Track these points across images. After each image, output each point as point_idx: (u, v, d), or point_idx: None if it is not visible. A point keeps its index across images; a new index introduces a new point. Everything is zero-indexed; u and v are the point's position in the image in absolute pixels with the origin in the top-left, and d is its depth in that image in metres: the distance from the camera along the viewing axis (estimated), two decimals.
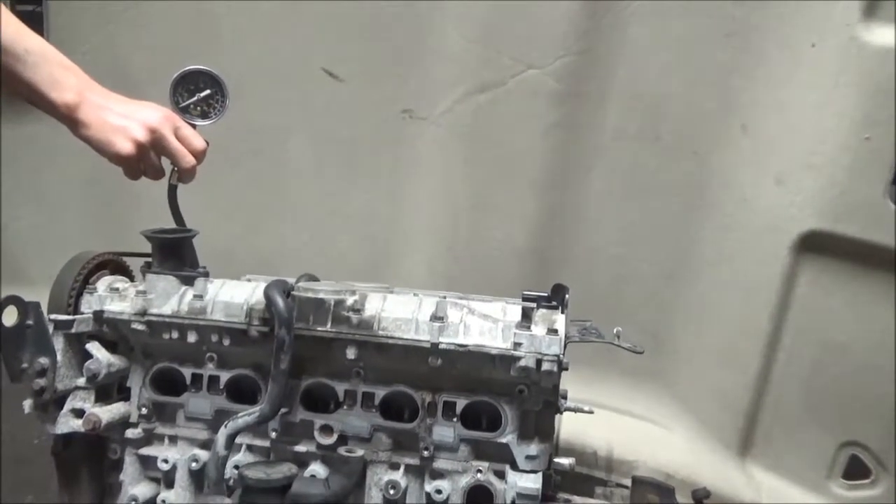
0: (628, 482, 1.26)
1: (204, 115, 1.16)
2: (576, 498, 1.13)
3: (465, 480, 1.04)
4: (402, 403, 1.07)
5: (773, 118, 1.47)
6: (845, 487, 1.47)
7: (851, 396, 1.42)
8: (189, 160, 1.11)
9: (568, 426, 1.48)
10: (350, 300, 1.06)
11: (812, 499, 1.47)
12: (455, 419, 1.05)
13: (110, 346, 1.12)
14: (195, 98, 1.15)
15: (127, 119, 1.06)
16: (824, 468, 1.46)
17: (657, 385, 1.62)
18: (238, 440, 1.06)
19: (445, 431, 1.04)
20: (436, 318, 1.03)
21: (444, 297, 1.18)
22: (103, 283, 1.13)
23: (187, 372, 1.11)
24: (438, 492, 1.04)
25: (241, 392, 1.11)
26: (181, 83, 1.15)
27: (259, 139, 1.73)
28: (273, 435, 1.08)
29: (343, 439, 1.07)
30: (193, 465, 1.09)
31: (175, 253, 1.12)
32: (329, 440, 1.06)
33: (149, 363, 1.13)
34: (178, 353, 1.11)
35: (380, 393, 1.06)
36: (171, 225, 1.17)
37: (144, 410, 1.12)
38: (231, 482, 1.06)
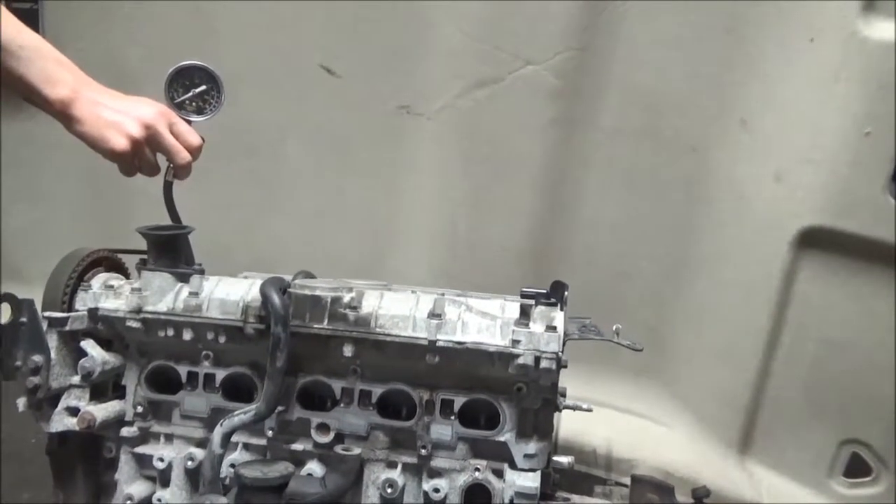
0: (628, 481, 1.26)
1: (199, 111, 1.15)
2: (575, 497, 1.12)
3: (462, 479, 1.03)
4: (400, 401, 1.06)
5: (772, 114, 1.46)
6: (846, 485, 1.46)
7: (852, 394, 1.42)
8: (184, 156, 1.11)
9: (567, 424, 1.47)
10: (347, 297, 1.05)
11: (813, 497, 1.46)
12: (453, 417, 1.04)
13: (105, 344, 1.11)
14: (190, 94, 1.14)
15: (122, 115, 1.05)
16: (825, 466, 1.45)
17: (657, 383, 1.62)
18: (234, 438, 1.05)
19: (443, 430, 1.03)
20: (433, 315, 1.02)
21: (442, 294, 1.17)
22: (98, 280, 1.12)
23: (183, 370, 1.10)
24: (436, 490, 1.03)
25: (238, 390, 1.10)
26: (176, 79, 1.14)
27: (256, 135, 1.72)
28: (269, 433, 1.07)
29: (340, 437, 1.06)
30: (189, 463, 1.08)
31: (170, 250, 1.11)
32: (326, 438, 1.05)
33: (144, 361, 1.12)
34: (174, 351, 1.10)
35: (377, 391, 1.05)
36: (168, 222, 1.17)
37: (140, 409, 1.10)
38: (227, 481, 1.05)
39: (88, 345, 1.07)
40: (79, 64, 1.05)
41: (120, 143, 1.04)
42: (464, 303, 1.05)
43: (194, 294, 1.08)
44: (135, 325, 1.07)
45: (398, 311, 1.04)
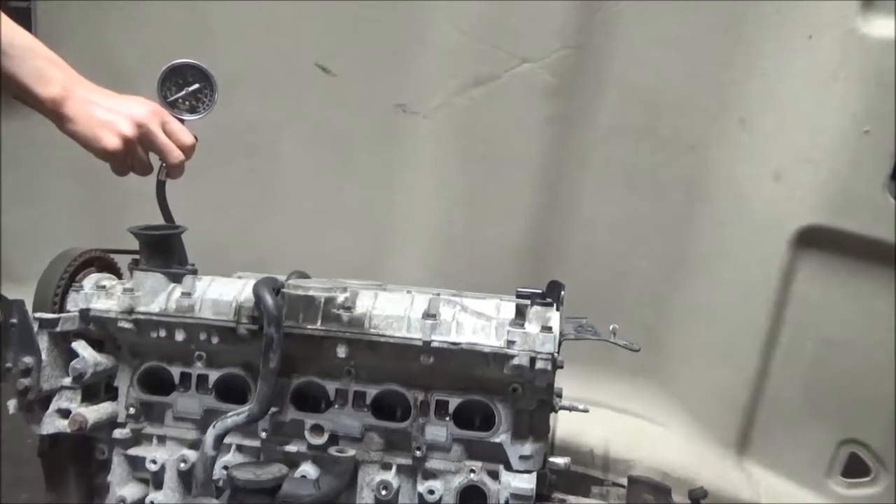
0: (625, 481, 1.25)
1: (192, 110, 1.15)
2: (571, 498, 1.11)
3: (458, 481, 1.02)
4: (395, 402, 1.06)
5: (770, 112, 1.45)
6: (845, 485, 1.45)
7: (851, 394, 1.41)
8: (177, 155, 1.10)
9: (564, 424, 1.46)
10: (341, 297, 1.04)
11: (811, 497, 1.45)
12: (448, 418, 1.03)
13: (97, 345, 1.10)
14: (183, 92, 1.14)
15: (114, 114, 1.04)
16: (823, 466, 1.45)
17: (654, 383, 1.61)
18: (227, 440, 1.04)
19: (438, 431, 1.03)
20: (428, 315, 1.01)
21: (437, 294, 1.16)
22: (90, 280, 1.11)
23: (176, 371, 1.09)
24: (431, 492, 1.02)
25: (231, 391, 1.10)
26: (169, 77, 1.14)
27: (251, 134, 1.71)
28: (263, 435, 1.06)
29: (334, 439, 1.05)
30: (182, 465, 1.07)
31: (163, 250, 1.10)
32: (320, 440, 1.05)
33: (136, 362, 1.11)
34: (167, 352, 1.10)
35: (371, 392, 1.05)
36: (161, 221, 1.16)
37: (132, 410, 1.10)
38: (220, 483, 1.04)
39: (80, 346, 1.06)
40: (71, 63, 1.04)
41: (112, 142, 1.03)
42: (459, 303, 1.04)
43: (187, 294, 1.07)
44: (127, 325, 1.06)
45: (392, 311, 1.03)
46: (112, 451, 1.10)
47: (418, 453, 1.02)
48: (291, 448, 1.06)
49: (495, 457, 1.03)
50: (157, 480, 1.09)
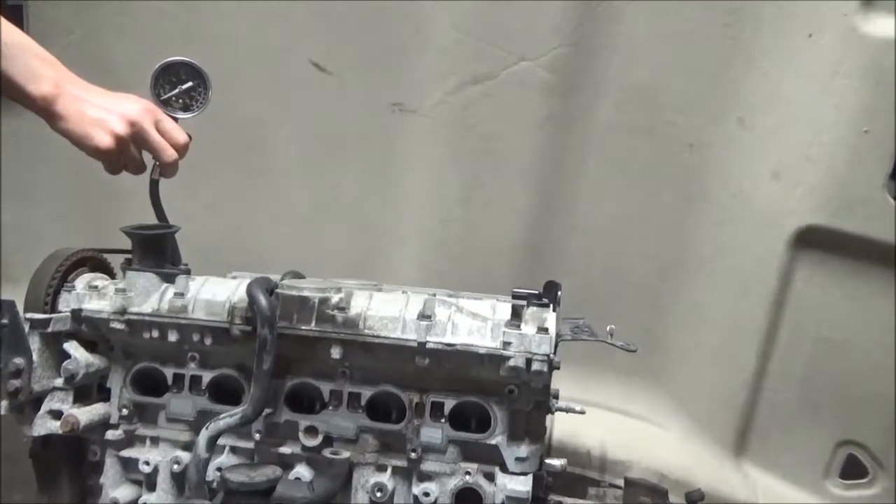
0: (622, 482, 1.24)
1: (186, 108, 1.14)
2: (567, 499, 1.10)
3: (453, 483, 1.01)
4: (389, 404, 1.05)
5: (770, 111, 1.44)
6: (842, 487, 1.45)
7: (849, 395, 1.40)
8: (171, 154, 1.09)
9: (561, 425, 1.46)
10: (335, 298, 1.03)
11: (808, 499, 1.45)
12: (443, 420, 1.02)
13: (89, 346, 1.09)
14: (177, 90, 1.13)
15: (106, 112, 1.04)
16: (821, 467, 1.44)
17: (651, 383, 1.60)
18: (221, 441, 1.03)
19: (433, 432, 1.02)
20: (423, 316, 1.00)
21: (433, 295, 1.15)
22: (82, 280, 1.10)
23: (169, 372, 1.08)
24: (426, 494, 1.01)
25: (225, 392, 1.09)
26: (162, 75, 1.13)
27: (245, 133, 1.70)
28: (257, 436, 1.05)
29: (328, 441, 1.04)
30: (175, 467, 1.06)
31: (156, 249, 1.09)
32: (314, 442, 1.04)
33: (129, 363, 1.10)
34: (160, 353, 1.09)
35: (366, 393, 1.04)
36: (154, 221, 1.15)
37: (125, 411, 1.08)
38: (214, 485, 1.03)
39: (72, 346, 1.05)
40: (63, 61, 1.04)
41: (104, 140, 1.03)
42: (454, 304, 1.03)
43: (180, 295, 1.06)
44: (119, 326, 1.05)
45: (387, 312, 1.02)
46: (105, 452, 1.09)
47: (413, 455, 1.01)
48: (285, 450, 1.05)
49: (491, 459, 1.02)
50: (150, 482, 1.08)
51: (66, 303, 1.07)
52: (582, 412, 1.09)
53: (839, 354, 1.40)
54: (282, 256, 1.67)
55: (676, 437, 1.56)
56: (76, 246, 1.13)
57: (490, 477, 1.02)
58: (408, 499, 1.03)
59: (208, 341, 1.05)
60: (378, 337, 1.00)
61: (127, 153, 1.08)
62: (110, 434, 1.08)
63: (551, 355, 0.96)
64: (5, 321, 1.00)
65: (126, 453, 1.08)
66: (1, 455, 1.54)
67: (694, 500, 1.13)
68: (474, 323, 1.00)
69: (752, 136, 1.46)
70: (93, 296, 1.07)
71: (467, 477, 1.01)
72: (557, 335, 1.00)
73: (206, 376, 1.07)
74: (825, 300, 1.40)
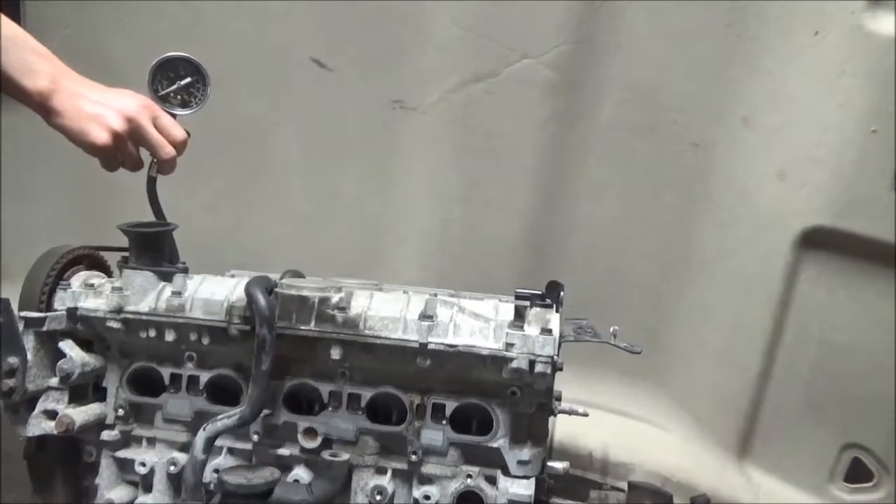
0: (624, 485, 1.23)
1: (184, 105, 1.12)
2: (569, 502, 1.09)
3: (454, 486, 1.00)
4: (390, 405, 1.03)
5: (775, 110, 1.42)
6: (847, 491, 1.43)
7: (854, 397, 1.38)
8: (168, 151, 1.08)
9: (562, 427, 1.44)
10: (335, 298, 1.01)
11: (813, 502, 1.43)
12: (444, 422, 1.01)
13: (85, 345, 1.08)
14: (175, 86, 1.11)
15: (103, 107, 1.02)
16: (825, 471, 1.43)
17: (654, 384, 1.58)
18: (219, 443, 1.02)
19: (434, 435, 1.00)
20: (425, 316, 0.99)
21: (435, 295, 1.14)
22: (78, 278, 1.08)
23: (166, 372, 1.07)
24: (427, 498, 1.00)
25: (223, 393, 1.07)
26: (160, 70, 1.11)
27: (245, 130, 1.68)
28: (255, 438, 1.04)
29: (328, 442, 1.03)
30: (172, 468, 1.05)
31: (153, 247, 1.08)
32: (313, 443, 1.02)
33: (126, 362, 1.08)
34: (157, 353, 1.07)
35: (366, 394, 1.02)
36: (151, 218, 1.13)
37: (121, 411, 1.07)
38: (211, 486, 1.02)
39: (67, 345, 1.04)
40: (60, 55, 1.02)
41: (101, 136, 1.01)
42: (456, 304, 1.02)
43: (177, 293, 1.04)
44: (115, 325, 1.04)
45: (388, 312, 1.00)
46: (100, 453, 1.08)
47: (414, 458, 1.00)
48: (284, 451, 1.04)
49: (493, 462, 1.01)
50: (146, 483, 1.07)
51: (62, 301, 1.05)
52: (585, 415, 1.08)
53: (844, 356, 1.38)
54: (281, 255, 1.65)
55: (679, 438, 1.54)
56: (73, 244, 1.12)
57: (492, 480, 1.00)
58: (408, 502, 1.01)
59: (206, 341, 1.03)
60: (379, 337, 0.99)
61: (124, 150, 1.07)
62: (106, 434, 1.06)
63: (555, 357, 0.95)
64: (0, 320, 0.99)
65: (122, 454, 1.07)
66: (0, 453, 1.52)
67: None
68: (476, 323, 0.99)
69: (756, 136, 1.44)
70: (89, 294, 1.06)
71: (468, 480, 1.00)
72: (561, 336, 0.99)
73: (204, 376, 1.06)
74: (830, 301, 1.38)
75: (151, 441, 1.08)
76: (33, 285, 1.04)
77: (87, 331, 1.06)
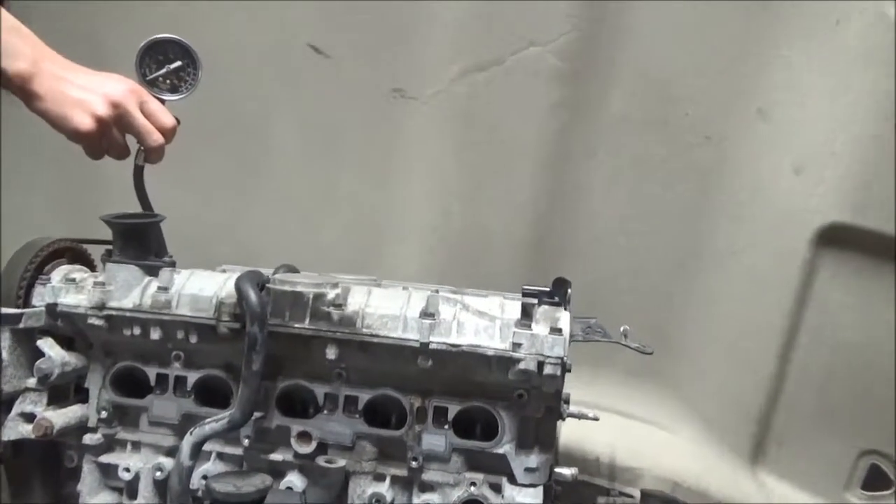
0: (632, 490, 1.18)
1: (173, 90, 1.07)
2: None
3: (457, 494, 0.94)
4: (389, 408, 0.98)
5: (792, 101, 1.37)
6: (864, 498, 1.38)
7: (872, 401, 1.33)
8: (156, 138, 1.03)
9: (567, 430, 1.38)
10: (331, 294, 0.95)
11: None
12: (447, 426, 0.95)
13: (66, 343, 1.02)
14: (164, 70, 1.06)
15: (87, 92, 0.97)
16: (842, 478, 1.37)
17: (662, 385, 1.53)
18: (207, 447, 0.96)
19: (436, 440, 0.95)
20: (426, 314, 0.93)
21: (436, 292, 1.08)
22: (58, 272, 1.02)
23: (151, 372, 1.01)
24: None
25: (212, 394, 1.01)
26: (149, 53, 1.06)
27: (237, 117, 1.62)
28: (246, 442, 0.98)
29: (323, 447, 0.97)
30: (158, 474, 0.99)
31: (138, 240, 1.02)
32: (307, 448, 0.96)
33: (109, 361, 1.03)
34: (142, 351, 1.01)
35: (364, 397, 0.97)
36: (138, 209, 1.08)
37: (104, 414, 1.01)
38: (199, 493, 0.96)
39: (46, 344, 0.98)
40: (42, 37, 0.96)
41: (84, 122, 0.97)
42: (459, 301, 0.96)
43: (163, 289, 0.98)
44: (97, 322, 0.98)
45: (387, 309, 0.95)
46: (82, 457, 1.02)
47: (414, 464, 0.94)
48: (276, 456, 0.98)
49: (498, 468, 0.95)
50: (130, 490, 1.01)
51: (41, 296, 1.00)
52: (595, 419, 1.02)
53: (862, 359, 1.33)
54: (275, 249, 1.59)
55: (688, 442, 1.49)
56: (54, 236, 1.06)
57: (497, 488, 0.95)
58: None
59: (193, 339, 0.98)
60: (377, 336, 0.93)
61: (109, 136, 1.02)
62: (88, 438, 1.00)
63: (565, 358, 0.89)
64: None
65: (105, 459, 1.01)
66: None
67: None
68: (481, 322, 0.93)
69: (772, 129, 1.39)
70: (70, 289, 1.00)
71: (472, 488, 0.94)
72: (570, 336, 0.93)
73: (192, 377, 1.00)
74: (848, 301, 1.33)
75: (136, 445, 1.02)
76: (10, 279, 0.99)
77: (67, 328, 1.01)
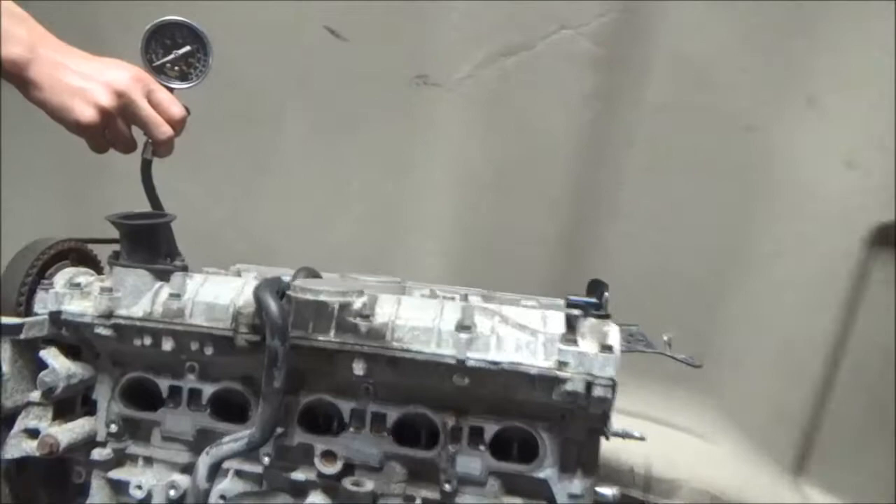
0: (668, 503, 1.11)
1: (183, 77, 0.99)
2: None
3: None
4: (420, 426, 0.90)
5: (843, 90, 1.28)
6: None
7: None
8: (165, 130, 0.96)
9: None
10: (358, 303, 0.88)
11: None
12: (483, 447, 0.88)
13: (71, 351, 0.95)
14: (172, 56, 0.98)
15: (88, 80, 0.90)
16: (891, 492, 1.30)
17: (700, 392, 1.44)
18: (225, 464, 0.89)
19: (471, 462, 0.88)
20: (462, 327, 0.85)
21: (466, 297, 1.01)
22: (62, 276, 0.95)
23: (164, 383, 0.94)
24: None
25: (228, 407, 0.95)
26: (155, 37, 0.97)
27: (250, 106, 1.53)
28: (266, 460, 0.91)
29: (349, 468, 0.90)
30: (172, 492, 0.93)
31: (148, 242, 0.94)
32: (332, 469, 0.90)
33: (118, 372, 0.96)
34: (153, 362, 0.94)
35: (393, 414, 0.89)
36: (148, 206, 1.00)
37: (114, 428, 0.95)
38: None
39: (50, 354, 0.91)
40: (39, 18, 0.89)
41: (86, 113, 0.89)
42: (497, 312, 0.88)
43: (176, 296, 0.91)
44: (105, 332, 0.91)
45: (419, 321, 0.87)
46: (91, 473, 0.96)
47: (447, 487, 0.88)
48: (299, 476, 0.91)
49: (538, 493, 0.88)
50: None
51: (44, 303, 0.92)
52: (642, 438, 0.95)
53: None
54: (288, 244, 1.52)
55: (728, 453, 1.41)
56: (57, 235, 0.98)
57: None
58: None
59: (209, 351, 0.90)
60: (409, 351, 0.85)
61: (114, 128, 0.95)
62: (97, 453, 0.94)
63: (616, 378, 0.82)
64: None
65: (115, 475, 0.95)
66: None
67: None
68: (522, 336, 0.85)
69: (822, 119, 1.30)
70: (74, 295, 0.92)
71: None
72: None
73: (207, 390, 0.93)
74: None
75: (148, 461, 0.96)
76: (10, 285, 0.91)
77: (72, 336, 0.93)
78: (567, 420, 0.86)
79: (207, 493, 0.86)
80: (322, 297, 0.87)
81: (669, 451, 1.40)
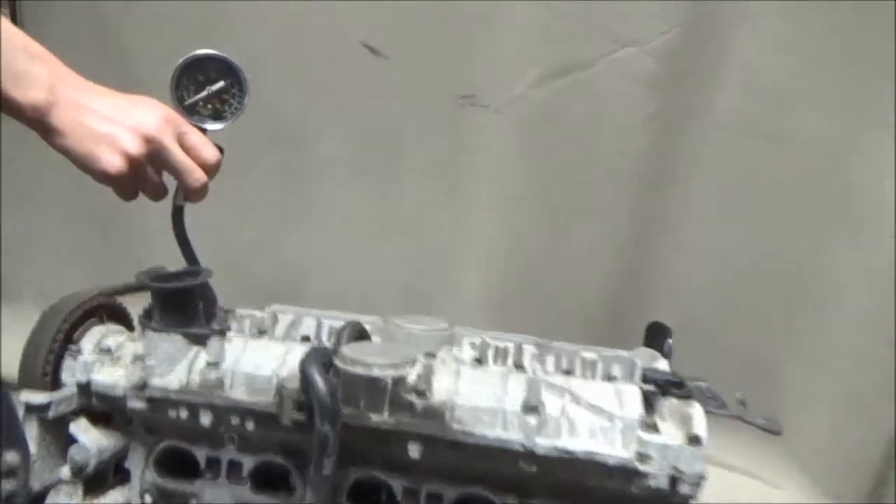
0: None
1: (216, 116, 0.90)
2: None
3: None
4: None
5: None
6: None
7: None
8: (198, 177, 0.87)
9: None
10: (412, 376, 0.80)
11: None
12: None
13: (102, 418, 0.88)
14: (205, 93, 0.89)
15: (114, 124, 0.81)
16: None
17: (761, 431, 1.36)
18: None
19: None
20: (529, 408, 0.77)
21: (521, 346, 0.92)
22: (90, 339, 0.88)
23: (201, 453, 0.88)
24: None
25: (271, 478, 0.88)
26: (186, 73, 0.89)
27: (284, 129, 1.44)
28: None
29: None
30: None
31: (182, 304, 0.87)
32: None
33: (152, 440, 0.89)
34: (190, 430, 0.88)
35: (450, 494, 0.82)
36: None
37: (148, 498, 0.89)
38: None
39: (80, 429, 0.85)
40: (60, 54, 0.80)
41: (113, 162, 0.81)
42: (567, 389, 0.80)
43: (213, 365, 0.84)
44: (138, 405, 0.84)
45: (481, 399, 0.79)
46: None
47: None
48: None
49: None
50: None
51: (72, 371, 0.85)
52: None
53: None
54: (324, 274, 1.45)
55: (792, 498, 1.33)
56: (81, 280, 0.92)
57: None
58: None
59: (250, 426, 0.84)
60: (471, 435, 0.77)
61: (143, 176, 0.86)
62: None
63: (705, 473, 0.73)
64: None
65: None
66: None
67: None
68: (596, 420, 0.77)
69: None
70: (104, 362, 0.86)
71: None
72: None
73: (248, 462, 0.87)
74: None
75: None
76: (36, 354, 0.84)
77: (103, 405, 0.87)
78: None
79: None
80: (374, 372, 0.79)
81: (727, 496, 1.31)
